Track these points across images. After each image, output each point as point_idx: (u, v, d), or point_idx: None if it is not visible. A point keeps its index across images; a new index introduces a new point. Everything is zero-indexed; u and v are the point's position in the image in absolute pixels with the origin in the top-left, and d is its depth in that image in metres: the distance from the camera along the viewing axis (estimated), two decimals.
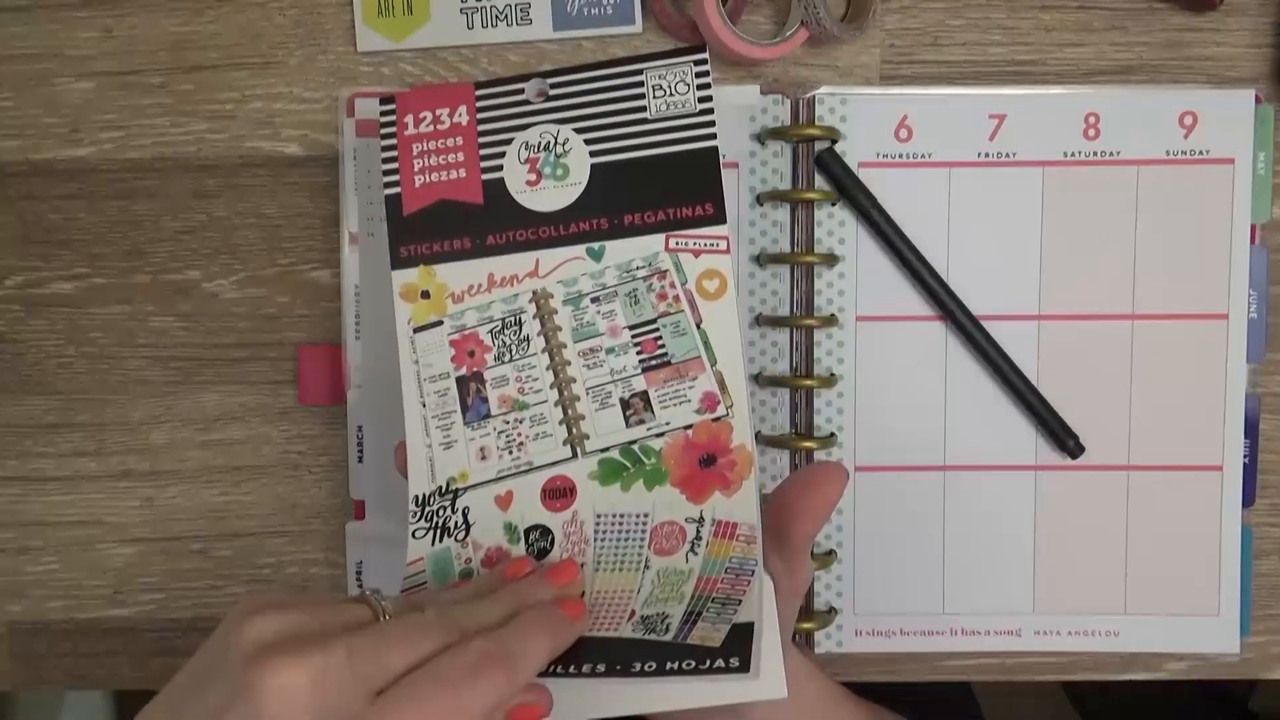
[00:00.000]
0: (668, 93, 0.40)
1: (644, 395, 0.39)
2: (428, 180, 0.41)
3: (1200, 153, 0.48)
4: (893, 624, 0.49)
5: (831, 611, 0.49)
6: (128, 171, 0.50)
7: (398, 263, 0.40)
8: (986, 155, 0.48)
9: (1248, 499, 0.49)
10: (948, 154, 0.48)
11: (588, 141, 0.40)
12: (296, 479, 0.51)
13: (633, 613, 0.37)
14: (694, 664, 0.34)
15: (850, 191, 0.47)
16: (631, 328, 0.39)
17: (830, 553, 0.49)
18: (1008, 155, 0.48)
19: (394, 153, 0.41)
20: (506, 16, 0.49)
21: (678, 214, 0.40)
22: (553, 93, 0.41)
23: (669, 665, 0.35)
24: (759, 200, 0.48)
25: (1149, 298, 0.48)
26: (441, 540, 0.39)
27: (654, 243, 0.39)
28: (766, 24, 0.50)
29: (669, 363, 0.39)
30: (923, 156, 0.48)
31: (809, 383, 0.48)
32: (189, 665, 0.33)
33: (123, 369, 0.51)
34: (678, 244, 0.39)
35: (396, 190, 0.41)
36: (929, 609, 0.49)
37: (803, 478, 0.39)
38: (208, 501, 0.51)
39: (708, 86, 0.40)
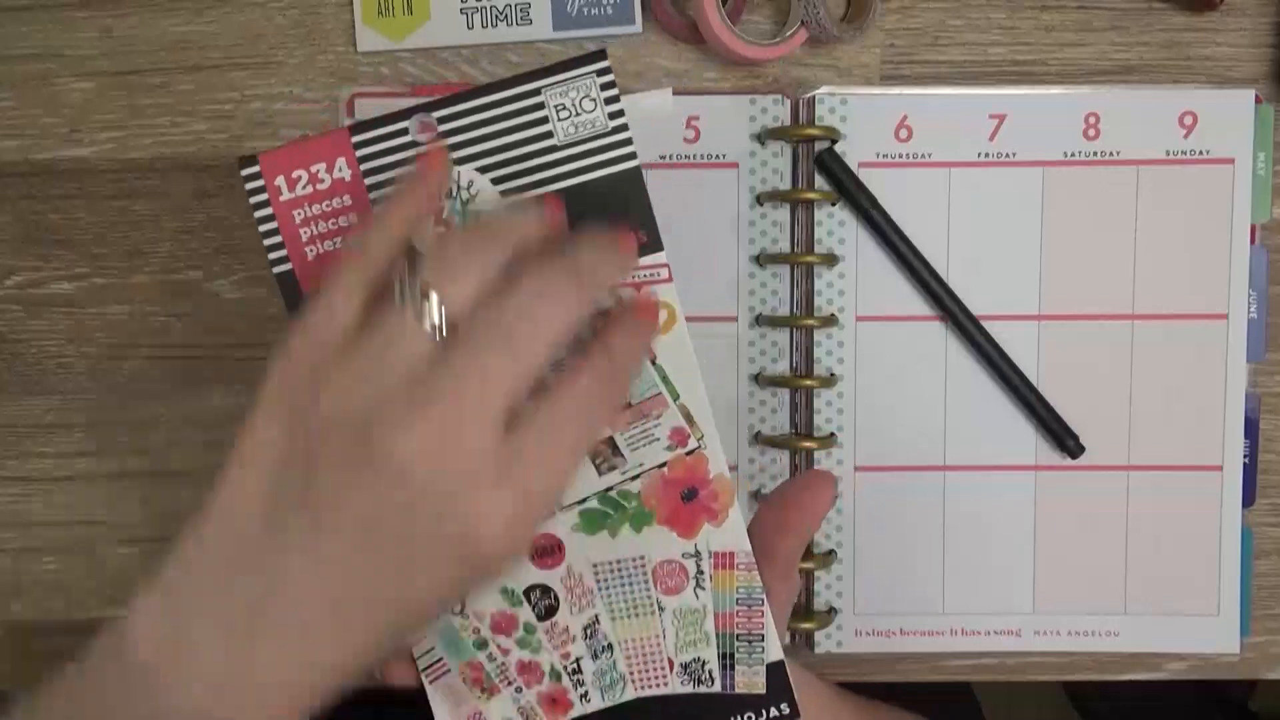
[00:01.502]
0: (573, 112, 0.36)
1: (610, 441, 0.37)
2: (321, 250, 0.36)
3: (1200, 153, 0.48)
4: (893, 624, 0.49)
5: (831, 611, 0.49)
6: (128, 171, 0.50)
7: None
8: (986, 155, 0.48)
9: (1248, 499, 0.49)
10: (948, 154, 0.48)
11: (495, 180, 0.36)
12: None
13: (671, 662, 0.38)
14: (754, 716, 0.38)
15: (850, 191, 0.47)
16: None
17: (830, 553, 0.49)
18: (1008, 155, 0.48)
19: (273, 225, 0.36)
20: (506, 16, 0.49)
21: None
22: (442, 129, 0.36)
23: None
24: (759, 200, 0.48)
25: (1149, 298, 0.48)
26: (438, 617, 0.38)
27: None
28: (766, 24, 0.50)
29: (629, 404, 0.37)
30: (923, 156, 0.48)
31: (809, 383, 0.48)
32: (252, 452, 0.30)
33: (123, 369, 0.51)
34: None
35: (287, 267, 0.36)
36: (929, 609, 0.49)
37: (790, 490, 0.38)
38: None
39: (616, 100, 0.36)
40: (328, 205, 0.36)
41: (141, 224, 0.50)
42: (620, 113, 0.36)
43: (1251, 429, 0.49)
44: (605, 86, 0.36)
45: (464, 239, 0.30)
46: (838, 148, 0.48)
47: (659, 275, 0.37)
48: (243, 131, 0.50)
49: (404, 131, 0.36)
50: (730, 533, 0.37)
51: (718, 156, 0.48)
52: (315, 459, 0.29)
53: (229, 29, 0.49)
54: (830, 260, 0.48)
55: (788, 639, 0.50)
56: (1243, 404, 0.48)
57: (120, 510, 0.51)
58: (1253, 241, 0.48)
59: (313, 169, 0.36)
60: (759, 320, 0.48)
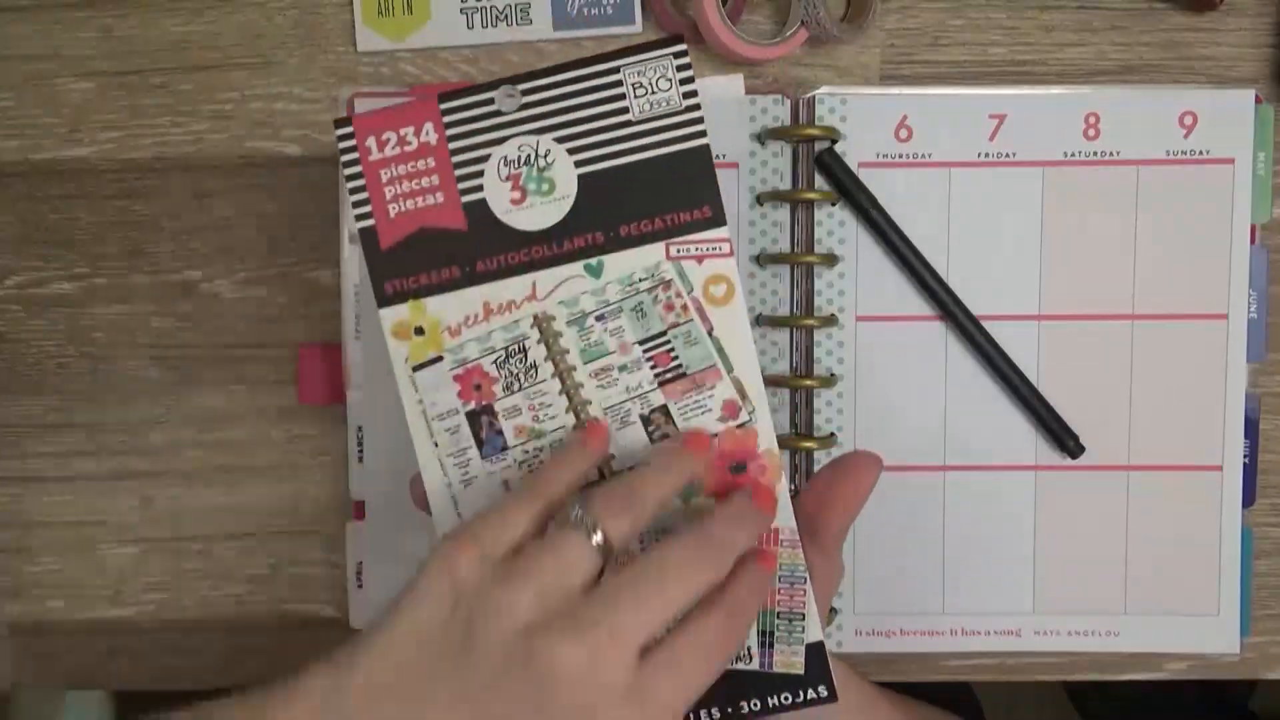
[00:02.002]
0: (649, 90, 0.37)
1: (664, 409, 0.38)
2: (403, 209, 0.38)
3: (1200, 153, 0.48)
4: (893, 624, 0.49)
5: (831, 611, 0.49)
6: (128, 171, 0.50)
7: (384, 300, 0.38)
8: (986, 155, 0.48)
9: (1248, 499, 0.49)
10: (948, 154, 0.48)
11: (571, 151, 0.38)
12: (296, 479, 0.51)
13: None
14: (790, 698, 0.38)
15: (850, 191, 0.47)
16: (642, 343, 0.38)
17: None
18: (1008, 155, 0.48)
19: (361, 182, 0.38)
20: (506, 16, 0.49)
21: (675, 220, 0.37)
22: (525, 100, 0.38)
23: (770, 702, 0.38)
24: (759, 200, 0.48)
25: (1149, 298, 0.48)
26: None
27: (654, 253, 0.38)
28: (766, 24, 0.50)
29: (685, 374, 0.38)
30: (923, 156, 0.48)
31: (809, 383, 0.48)
32: (424, 650, 0.33)
33: (123, 369, 0.51)
34: (679, 251, 0.38)
35: (370, 223, 0.38)
36: (929, 609, 0.49)
37: (837, 466, 0.39)
38: (208, 501, 0.51)
39: (691, 81, 0.37)
40: (412, 166, 0.38)
41: (141, 224, 0.50)
42: (694, 93, 0.37)
43: (1251, 429, 0.49)
44: (681, 68, 0.37)
45: (628, 483, 0.35)
46: (838, 148, 0.48)
47: (720, 250, 0.38)
48: (243, 131, 0.50)
49: (490, 101, 0.38)
50: (777, 509, 0.38)
51: (718, 156, 0.48)
52: (476, 641, 0.33)
53: (229, 29, 0.49)
54: (830, 260, 0.48)
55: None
56: (1243, 404, 0.48)
57: (120, 510, 0.51)
58: (1253, 241, 0.48)
59: (401, 131, 0.38)
60: (759, 320, 0.48)
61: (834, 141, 0.48)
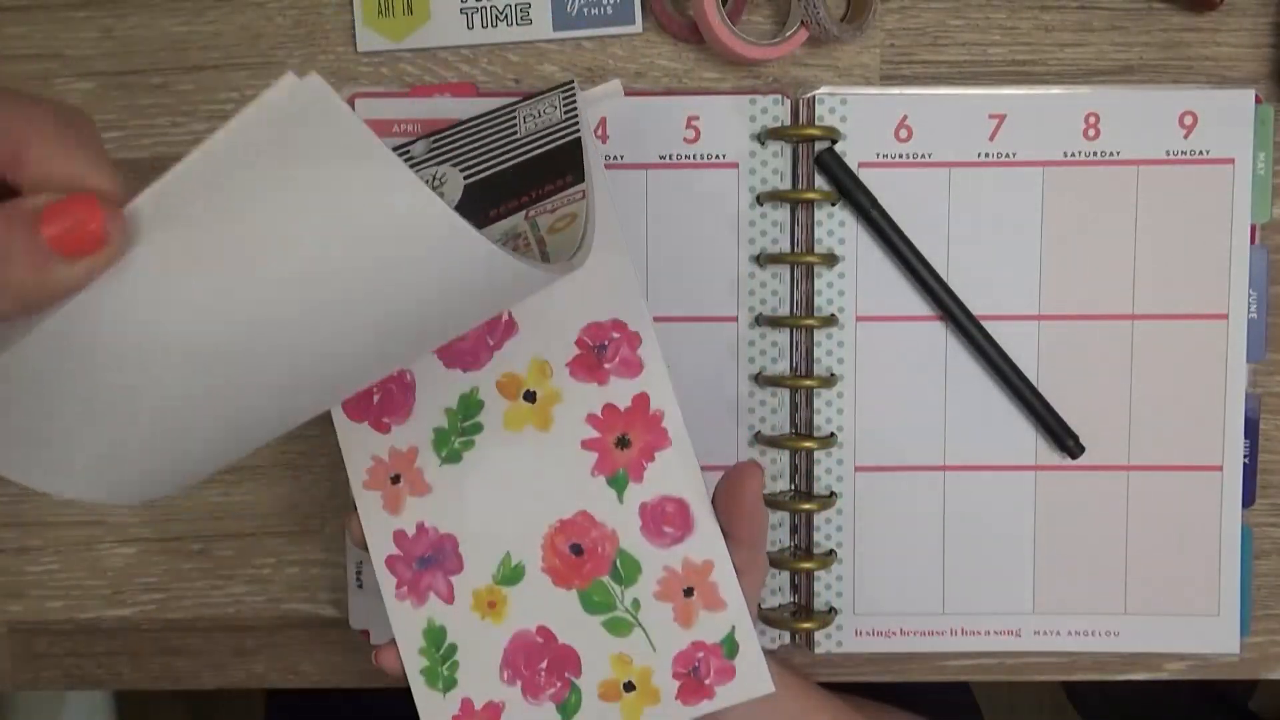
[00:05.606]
0: (537, 116, 0.44)
1: None
2: None
3: (1200, 153, 0.48)
4: (893, 624, 0.49)
5: (831, 611, 0.49)
6: (128, 172, 0.50)
7: None
8: (986, 155, 0.48)
9: (1248, 499, 0.49)
10: (948, 154, 0.48)
11: (462, 169, 0.43)
12: (296, 479, 0.51)
13: None
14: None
15: (850, 191, 0.47)
16: None
17: (830, 553, 0.49)
18: (1008, 155, 0.48)
19: None
20: (506, 16, 0.49)
21: (539, 193, 0.41)
22: (433, 144, 0.45)
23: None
24: (759, 200, 0.48)
25: (1149, 298, 0.48)
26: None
27: (516, 221, 0.41)
28: (766, 24, 0.50)
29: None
30: (923, 156, 0.48)
31: (809, 383, 0.48)
32: None
33: None
34: (535, 211, 0.41)
35: None
36: (929, 609, 0.49)
37: (723, 486, 0.40)
38: (208, 501, 0.51)
39: (574, 104, 0.43)
40: None
41: None
42: (574, 110, 0.43)
43: (1251, 429, 0.49)
44: (567, 99, 0.43)
45: None
46: (838, 148, 0.48)
47: (574, 198, 0.41)
48: None
49: (408, 151, 0.45)
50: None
51: (718, 156, 0.48)
52: None
53: (229, 29, 0.49)
54: (830, 260, 0.48)
55: (788, 638, 0.50)
56: (1243, 404, 0.48)
57: (120, 510, 0.51)
58: (1253, 241, 0.48)
59: None
60: (759, 320, 0.48)
61: (834, 141, 0.48)
